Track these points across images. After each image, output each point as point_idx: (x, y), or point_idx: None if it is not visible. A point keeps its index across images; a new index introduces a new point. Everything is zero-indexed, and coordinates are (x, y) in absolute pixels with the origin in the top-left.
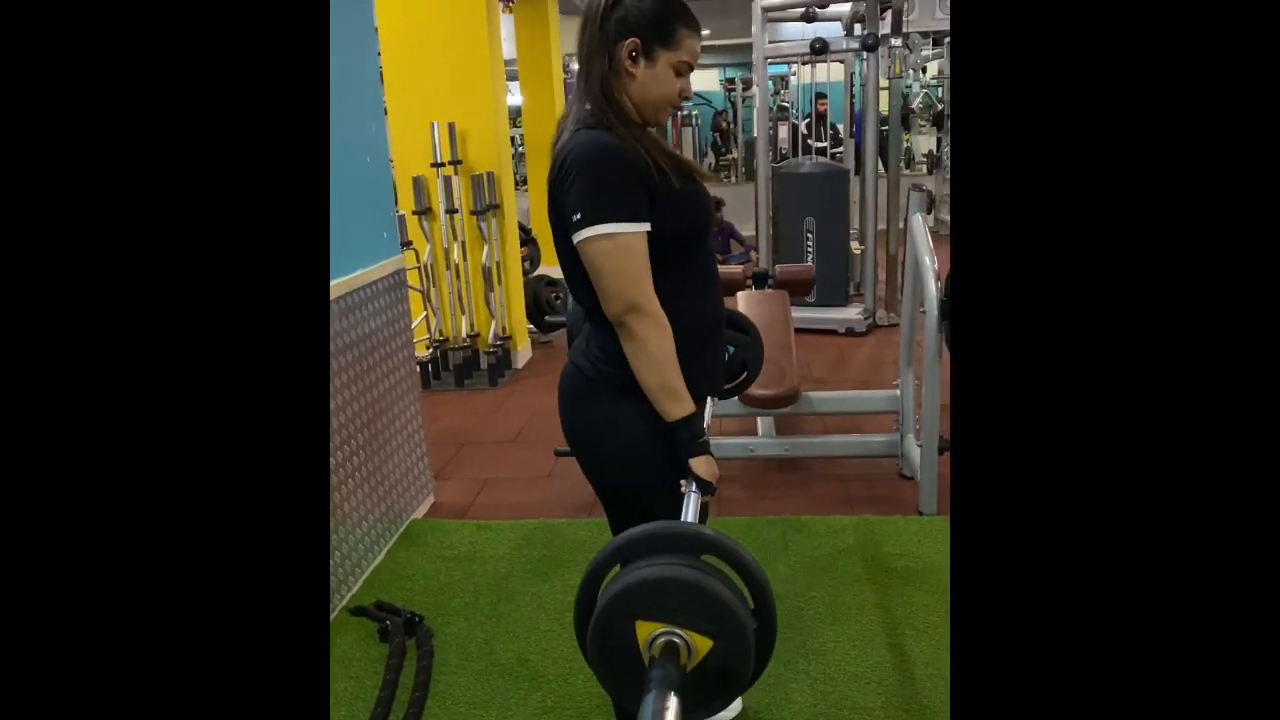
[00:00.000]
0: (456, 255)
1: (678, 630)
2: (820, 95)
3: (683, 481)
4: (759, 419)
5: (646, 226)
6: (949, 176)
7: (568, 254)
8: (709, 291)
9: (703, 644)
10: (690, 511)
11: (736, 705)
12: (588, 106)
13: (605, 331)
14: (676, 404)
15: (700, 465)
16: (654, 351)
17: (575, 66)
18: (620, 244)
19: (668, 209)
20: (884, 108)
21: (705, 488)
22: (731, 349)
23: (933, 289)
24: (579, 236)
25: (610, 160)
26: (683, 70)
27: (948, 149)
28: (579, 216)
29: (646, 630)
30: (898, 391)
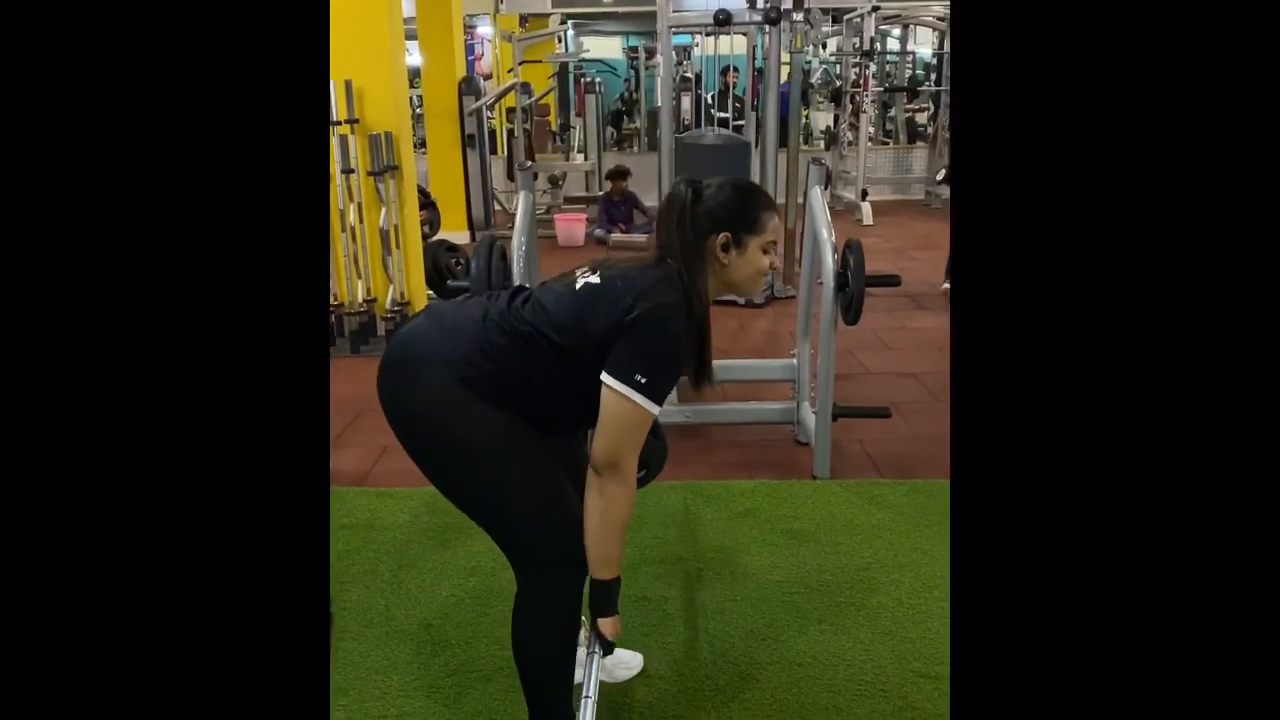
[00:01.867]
0: (353, 217)
1: None
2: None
3: (585, 635)
4: None
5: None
6: (845, 153)
7: (578, 322)
8: None
9: None
10: (592, 677)
11: (637, 662)
12: (680, 268)
13: (516, 352)
14: (607, 568)
15: (607, 626)
16: (612, 514)
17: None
18: (640, 417)
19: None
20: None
21: (607, 648)
22: None
23: (830, 261)
24: (620, 386)
25: (677, 353)
26: (768, 249)
27: (845, 125)
28: (638, 378)
29: None
30: (794, 360)
